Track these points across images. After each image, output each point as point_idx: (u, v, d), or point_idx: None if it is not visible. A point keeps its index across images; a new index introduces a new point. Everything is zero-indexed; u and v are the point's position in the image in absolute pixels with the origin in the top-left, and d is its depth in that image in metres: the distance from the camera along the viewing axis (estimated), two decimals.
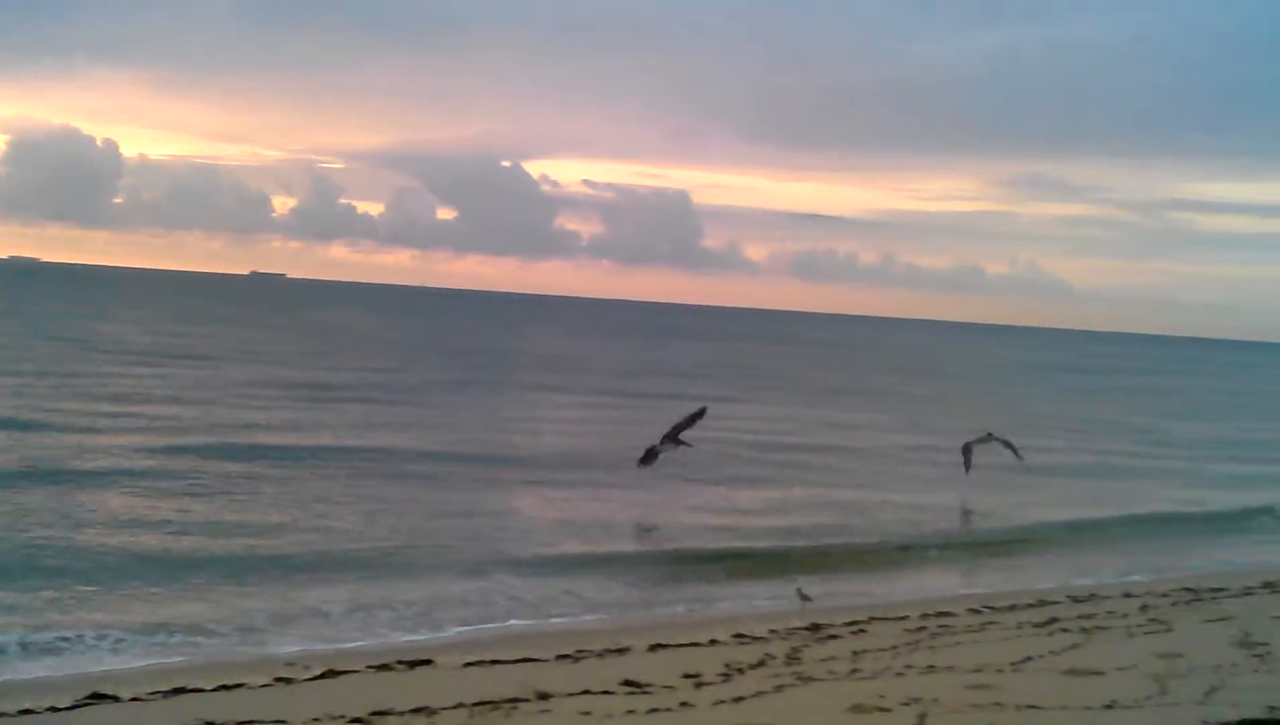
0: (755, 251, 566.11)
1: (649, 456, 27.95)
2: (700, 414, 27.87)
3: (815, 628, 17.01)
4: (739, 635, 16.30)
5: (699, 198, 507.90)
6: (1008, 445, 31.09)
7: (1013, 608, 18.58)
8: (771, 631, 16.61)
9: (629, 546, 23.16)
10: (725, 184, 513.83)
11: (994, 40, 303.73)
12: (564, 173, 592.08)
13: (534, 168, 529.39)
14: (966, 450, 31.06)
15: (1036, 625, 16.62)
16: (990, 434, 31.67)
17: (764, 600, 19.98)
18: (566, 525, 24.63)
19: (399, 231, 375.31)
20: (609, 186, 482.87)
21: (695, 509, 27.15)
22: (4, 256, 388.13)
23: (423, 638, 16.67)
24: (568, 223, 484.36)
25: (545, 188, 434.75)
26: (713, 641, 15.87)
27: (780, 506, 28.18)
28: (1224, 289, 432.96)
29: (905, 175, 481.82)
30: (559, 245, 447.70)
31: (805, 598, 19.63)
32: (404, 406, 44.01)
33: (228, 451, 30.02)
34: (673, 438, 27.78)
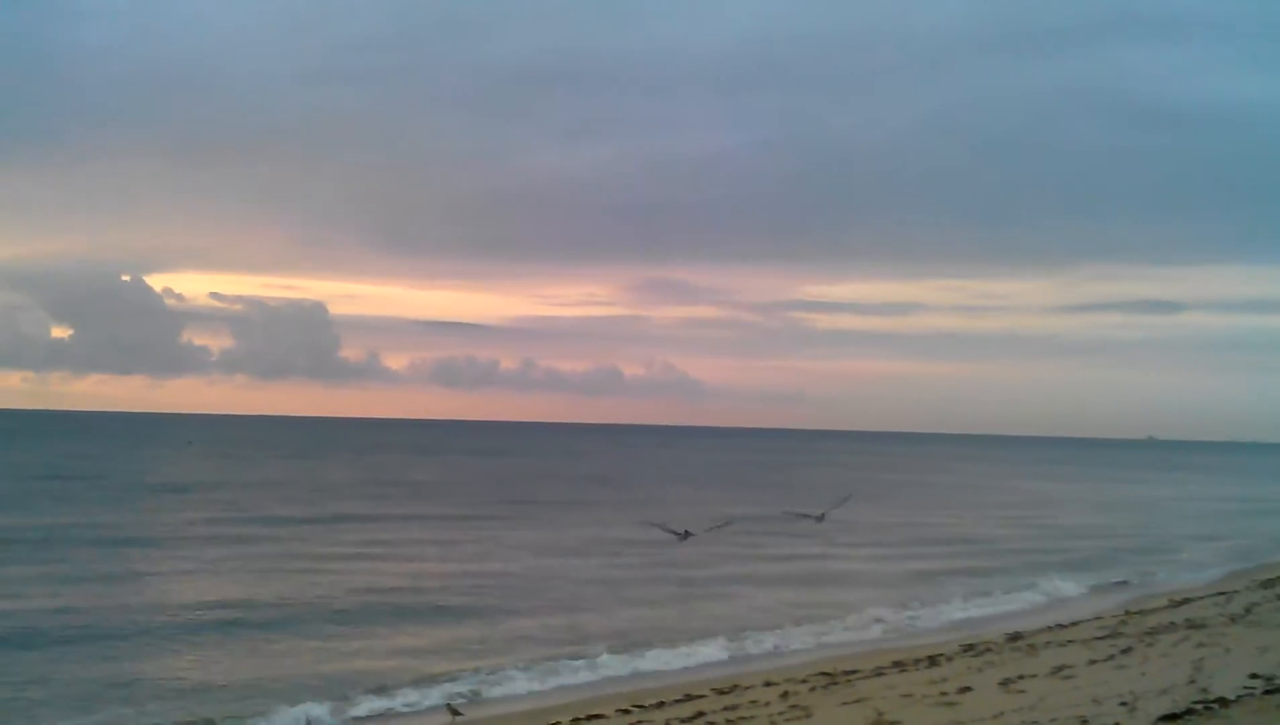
0: (395, 361, 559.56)
1: (687, 534, 35.02)
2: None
3: None
4: None
5: (336, 308, 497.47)
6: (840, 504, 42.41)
7: (660, 705, 18.67)
8: None
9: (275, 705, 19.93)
10: (362, 294, 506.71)
11: (602, 153, 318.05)
12: (189, 286, 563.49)
13: (157, 281, 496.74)
14: (827, 514, 39.71)
15: (684, 721, 16.70)
16: (851, 495, 46.84)
17: (414, 719, 19.18)
18: (191, 690, 21.37)
19: (8, 352, 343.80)
20: (239, 299, 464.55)
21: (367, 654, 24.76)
22: None
23: None
24: (196, 337, 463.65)
25: (170, 302, 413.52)
26: None
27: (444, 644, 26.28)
28: (847, 383, 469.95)
29: (540, 282, 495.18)
30: (188, 361, 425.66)
31: (456, 712, 19.01)
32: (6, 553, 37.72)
33: None
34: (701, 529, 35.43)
